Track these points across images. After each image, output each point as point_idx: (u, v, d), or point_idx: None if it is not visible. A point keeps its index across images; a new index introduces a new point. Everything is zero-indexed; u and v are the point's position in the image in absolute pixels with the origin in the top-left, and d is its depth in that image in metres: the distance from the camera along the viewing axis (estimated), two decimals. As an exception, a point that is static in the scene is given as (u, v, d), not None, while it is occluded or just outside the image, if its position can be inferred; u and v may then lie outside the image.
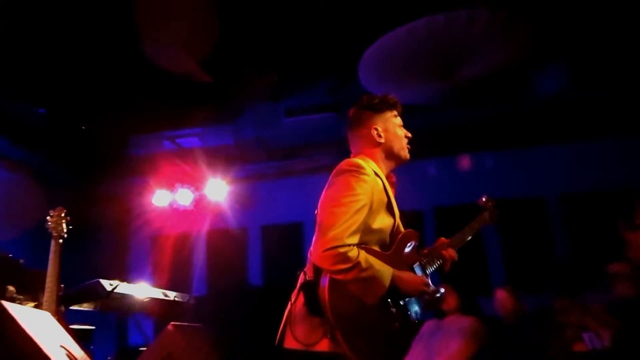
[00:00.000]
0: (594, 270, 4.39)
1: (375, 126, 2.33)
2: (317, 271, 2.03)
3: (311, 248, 2.12)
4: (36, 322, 2.45)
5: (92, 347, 3.85)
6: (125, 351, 3.91)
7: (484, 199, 2.74)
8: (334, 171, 2.17)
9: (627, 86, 5.78)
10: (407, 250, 2.22)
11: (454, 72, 5.18)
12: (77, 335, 2.99)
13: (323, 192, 2.15)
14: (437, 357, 4.03)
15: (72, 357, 2.44)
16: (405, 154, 2.37)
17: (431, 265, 2.30)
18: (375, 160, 2.29)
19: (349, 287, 1.97)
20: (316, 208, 2.18)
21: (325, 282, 1.97)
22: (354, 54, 4.89)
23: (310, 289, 2.02)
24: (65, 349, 2.45)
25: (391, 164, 2.36)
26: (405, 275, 2.11)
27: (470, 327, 4.09)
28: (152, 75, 5.19)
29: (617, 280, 3.94)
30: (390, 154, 2.34)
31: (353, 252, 1.95)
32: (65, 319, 3.33)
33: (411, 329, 2.17)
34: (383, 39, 4.65)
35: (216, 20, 4.29)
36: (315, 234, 2.03)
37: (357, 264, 1.94)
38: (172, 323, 3.61)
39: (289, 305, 2.12)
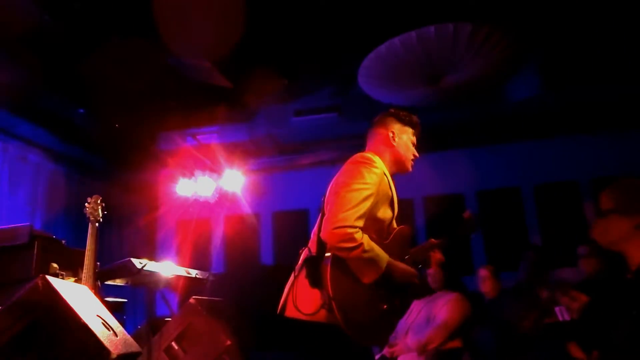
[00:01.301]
0: (564, 250, 4.37)
1: (393, 130, 2.32)
2: (321, 248, 2.00)
3: (315, 228, 2.10)
4: (76, 295, 2.44)
5: (124, 317, 3.85)
6: (153, 321, 3.90)
7: (467, 213, 2.61)
8: (348, 160, 2.14)
9: (592, 91, 5.76)
10: (401, 243, 2.20)
11: (440, 79, 5.15)
12: (111, 307, 2.97)
13: (334, 178, 2.12)
14: (426, 328, 4.02)
15: (106, 326, 2.43)
16: (408, 165, 2.35)
17: (418, 260, 2.28)
18: (384, 160, 2.26)
19: (349, 265, 1.95)
20: (322, 196, 2.15)
21: (328, 260, 1.95)
22: (354, 62, 4.88)
23: (313, 263, 1.99)
24: (100, 318, 2.45)
25: (394, 169, 2.32)
26: (399, 264, 2.10)
27: (456, 301, 4.07)
28: (178, 81, 5.19)
29: (584, 260, 3.92)
30: (396, 159, 2.31)
31: (358, 234, 1.93)
32: (100, 292, 3.33)
33: (396, 312, 2.14)
34: (379, 48, 4.63)
35: (235, 33, 4.28)
36: (326, 213, 2.00)
37: (360, 245, 1.92)
38: (194, 297, 3.61)
39: (292, 278, 2.10)
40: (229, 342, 3.39)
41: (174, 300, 5.11)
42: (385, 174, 2.18)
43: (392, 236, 2.17)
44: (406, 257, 2.19)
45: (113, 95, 5.44)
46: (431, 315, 4.07)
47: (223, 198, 7.00)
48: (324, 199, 2.14)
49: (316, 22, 4.47)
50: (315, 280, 1.95)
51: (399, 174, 2.35)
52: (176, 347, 3.47)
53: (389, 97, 5.47)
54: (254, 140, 6.76)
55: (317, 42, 4.75)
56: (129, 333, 2.71)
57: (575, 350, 3.15)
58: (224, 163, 6.71)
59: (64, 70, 4.92)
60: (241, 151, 6.81)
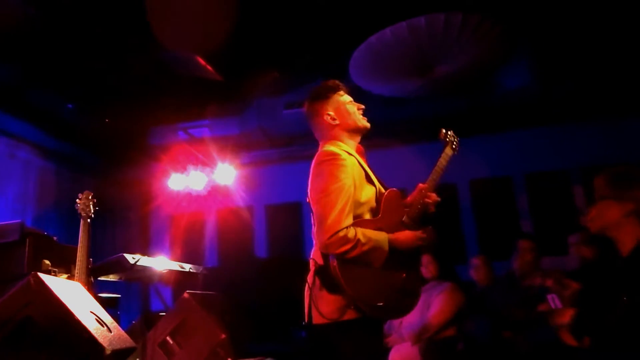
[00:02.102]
0: (555, 239, 4.41)
1: (327, 112, 2.26)
2: (325, 256, 2.00)
3: (314, 229, 2.09)
4: (68, 291, 2.43)
5: (118, 312, 3.84)
6: (147, 316, 3.89)
7: (442, 132, 2.46)
8: (314, 162, 2.12)
9: (581, 81, 5.78)
10: (393, 208, 2.17)
11: (431, 69, 5.14)
12: (105, 303, 2.97)
13: (310, 182, 2.11)
14: (420, 318, 4.04)
15: (100, 322, 2.42)
16: (363, 124, 2.28)
17: (417, 212, 2.21)
18: (341, 141, 2.23)
19: (356, 260, 1.95)
20: (306, 196, 2.14)
21: (334, 263, 1.95)
22: (345, 53, 4.86)
23: (323, 272, 2.00)
24: (94, 314, 2.43)
25: (355, 137, 2.29)
26: (400, 236, 2.08)
27: (449, 290, 4.10)
28: (169, 76, 5.16)
29: (575, 248, 3.95)
30: (350, 130, 2.27)
31: (351, 233, 1.94)
32: (94, 288, 3.31)
33: (415, 274, 2.17)
34: (370, 39, 4.61)
35: (226, 27, 4.25)
36: (316, 224, 2.01)
37: (357, 242, 1.93)
38: (187, 291, 3.61)
39: (307, 289, 2.10)
40: (223, 336, 3.40)
41: (168, 294, 5.11)
42: (352, 155, 2.17)
43: (381, 207, 2.14)
44: (403, 219, 2.17)
45: (103, 90, 5.40)
46: (425, 305, 4.09)
47: (215, 192, 6.98)
48: (308, 200, 2.14)
49: (307, 13, 4.45)
50: (332, 287, 1.97)
51: (361, 135, 2.31)
52: (171, 342, 3.47)
53: (380, 88, 5.46)
54: (245, 134, 6.73)
55: (307, 33, 4.72)
56: (123, 328, 2.71)
57: (567, 338, 3.18)
58: (216, 157, 6.69)
59: (52, 65, 4.87)
60: (233, 145, 6.78)
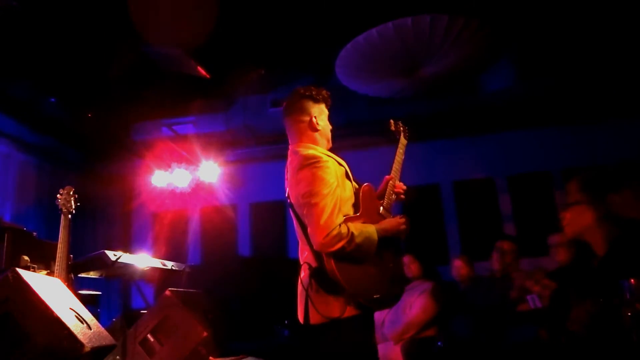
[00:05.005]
0: (537, 240, 4.47)
1: (315, 115, 2.33)
2: (320, 258, 2.05)
3: (298, 231, 2.15)
4: (48, 287, 2.41)
5: (98, 310, 3.82)
6: (128, 313, 3.87)
7: (392, 124, 2.59)
8: (297, 166, 2.16)
9: (564, 84, 5.87)
10: (369, 202, 2.26)
11: (417, 70, 5.18)
12: (85, 300, 2.94)
13: (294, 186, 2.16)
14: (402, 317, 4.08)
15: (80, 319, 2.40)
16: (330, 143, 2.38)
17: (390, 203, 2.34)
18: (320, 144, 2.31)
19: (351, 256, 2.02)
20: (289, 205, 2.20)
21: (331, 264, 2.00)
22: (331, 52, 4.88)
23: (320, 274, 2.05)
24: (73, 311, 2.42)
25: (327, 147, 2.36)
26: (384, 224, 2.19)
27: (431, 290, 4.14)
28: (154, 71, 5.12)
29: (555, 249, 4.01)
30: (326, 139, 2.36)
31: (343, 229, 2.00)
32: (74, 285, 3.29)
33: (399, 261, 2.31)
34: (357, 39, 4.63)
35: (210, 22, 4.23)
36: (308, 227, 2.06)
37: (351, 235, 2.00)
38: (170, 289, 3.60)
39: (301, 291, 2.14)
40: (205, 334, 3.39)
41: (150, 292, 5.08)
42: (330, 157, 2.23)
43: (360, 203, 2.22)
44: (380, 210, 2.28)
45: (86, 84, 5.34)
46: (407, 305, 4.12)
47: (199, 189, 6.95)
48: (292, 210, 2.19)
49: (294, 12, 4.45)
50: (330, 287, 2.03)
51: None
52: (152, 340, 3.46)
53: (366, 87, 5.48)
54: (230, 131, 6.71)
55: (294, 32, 4.73)
56: (103, 326, 2.69)
57: (546, 336, 3.23)
58: (201, 154, 6.66)
59: (34, 58, 4.81)
60: (217, 142, 6.76)
